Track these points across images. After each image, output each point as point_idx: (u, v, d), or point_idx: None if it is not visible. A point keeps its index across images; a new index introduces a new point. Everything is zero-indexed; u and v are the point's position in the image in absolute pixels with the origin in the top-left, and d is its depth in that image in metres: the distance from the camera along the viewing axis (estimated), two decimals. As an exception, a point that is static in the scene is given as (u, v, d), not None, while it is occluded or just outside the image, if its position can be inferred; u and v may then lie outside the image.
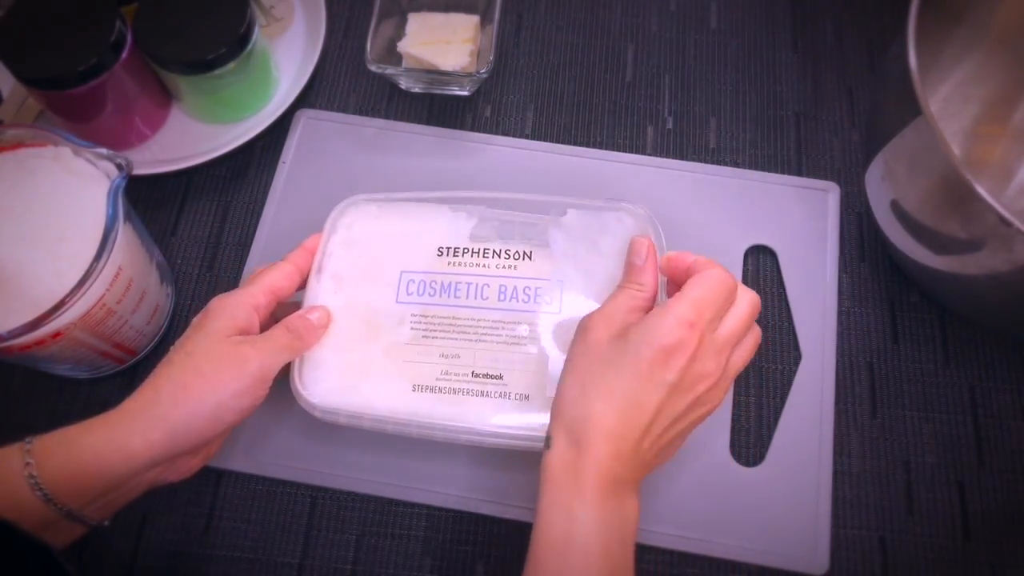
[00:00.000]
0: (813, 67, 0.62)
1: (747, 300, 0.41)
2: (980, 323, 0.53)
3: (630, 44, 0.63)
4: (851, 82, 0.61)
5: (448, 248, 0.48)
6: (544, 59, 0.63)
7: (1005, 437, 0.50)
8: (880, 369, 0.52)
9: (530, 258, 0.48)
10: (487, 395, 0.45)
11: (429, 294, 0.47)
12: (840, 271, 0.54)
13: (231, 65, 0.53)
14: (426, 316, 0.47)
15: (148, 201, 0.57)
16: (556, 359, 0.45)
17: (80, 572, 0.35)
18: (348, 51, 0.63)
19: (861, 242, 0.56)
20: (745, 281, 0.54)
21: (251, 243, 0.55)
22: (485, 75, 0.56)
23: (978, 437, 0.50)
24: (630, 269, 0.43)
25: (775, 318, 0.53)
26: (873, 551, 0.48)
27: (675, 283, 0.42)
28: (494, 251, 0.48)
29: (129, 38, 0.52)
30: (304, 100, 0.60)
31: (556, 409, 0.39)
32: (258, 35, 0.55)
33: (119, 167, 0.44)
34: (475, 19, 0.59)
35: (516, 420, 0.44)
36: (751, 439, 0.50)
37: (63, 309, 0.41)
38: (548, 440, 0.38)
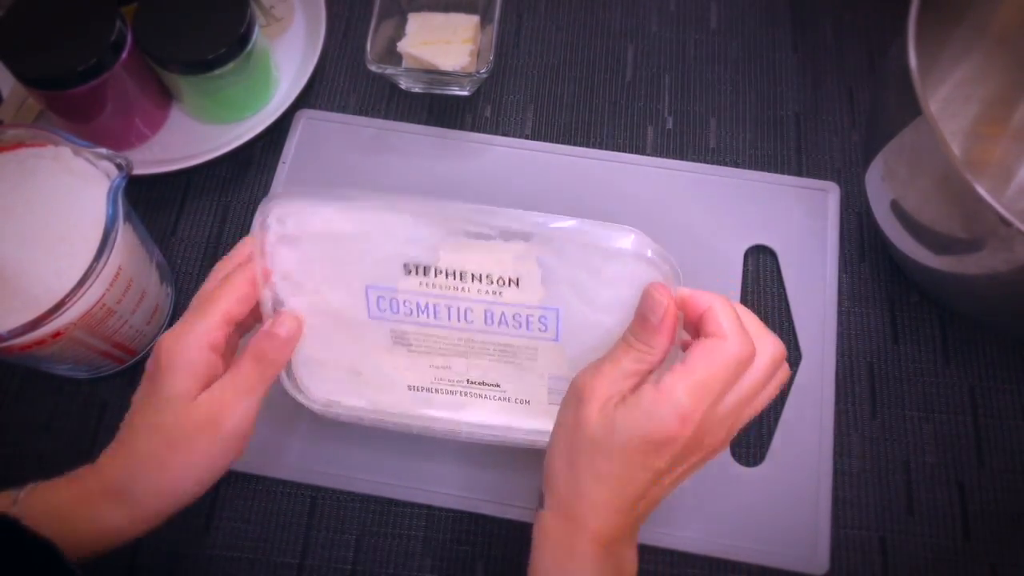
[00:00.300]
0: (813, 67, 0.62)
1: (768, 356, 0.37)
2: (980, 323, 0.53)
3: (630, 44, 0.63)
4: (851, 82, 0.61)
5: (417, 266, 0.40)
6: (544, 59, 0.63)
7: (1005, 437, 0.50)
8: (880, 369, 0.52)
9: (517, 284, 0.40)
10: (487, 398, 0.45)
11: (405, 313, 0.42)
12: (840, 271, 0.54)
13: (231, 65, 0.53)
14: (405, 332, 0.43)
15: (148, 201, 0.57)
16: (557, 377, 0.43)
17: (81, 571, 0.35)
18: (348, 51, 0.63)
19: (861, 242, 0.56)
20: (745, 281, 0.54)
21: (251, 243, 0.55)
22: (485, 75, 0.56)
23: (978, 437, 0.50)
24: (642, 326, 0.37)
25: (775, 318, 0.53)
26: (873, 551, 0.48)
27: (688, 320, 0.38)
28: (473, 275, 0.40)
29: (129, 38, 0.52)
30: (304, 100, 0.60)
31: (547, 476, 0.37)
32: (258, 35, 0.55)
33: (119, 167, 0.44)
34: (475, 19, 0.59)
35: (518, 421, 0.44)
36: (751, 439, 0.50)
37: (63, 309, 0.41)
38: (541, 499, 0.38)
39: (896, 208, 0.47)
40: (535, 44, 0.63)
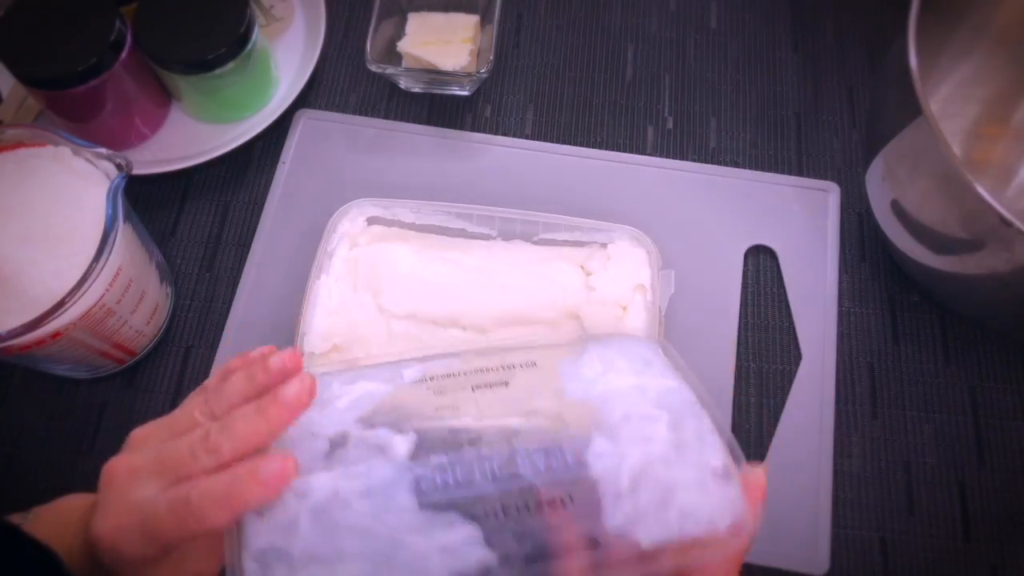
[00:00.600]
0: (813, 67, 0.62)
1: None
2: (980, 323, 0.53)
3: (630, 44, 0.63)
4: (851, 82, 0.61)
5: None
6: (544, 59, 0.63)
7: (1005, 437, 0.50)
8: (880, 369, 0.52)
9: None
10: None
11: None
12: (840, 271, 0.54)
13: (231, 65, 0.53)
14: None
15: (148, 201, 0.57)
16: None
17: None
18: (348, 51, 0.63)
19: (861, 242, 0.56)
20: (745, 281, 0.54)
21: (251, 243, 0.55)
22: (485, 75, 0.56)
23: (978, 437, 0.50)
24: None
25: (775, 318, 0.53)
26: (873, 551, 0.48)
27: None
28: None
29: (129, 38, 0.52)
30: (304, 100, 0.60)
31: None
32: (258, 35, 0.55)
33: (119, 167, 0.44)
34: (475, 19, 0.59)
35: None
36: (751, 439, 0.50)
37: (63, 309, 0.41)
38: None
39: (896, 208, 0.47)
40: (535, 44, 0.63)
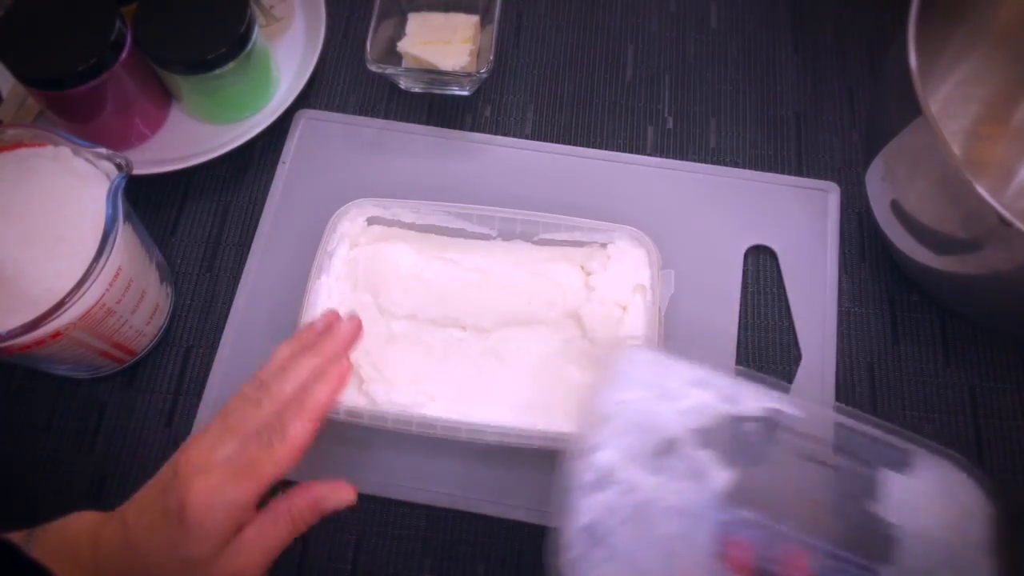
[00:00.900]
0: (813, 67, 0.62)
1: None
2: (980, 323, 0.53)
3: (630, 44, 0.63)
4: (851, 82, 0.61)
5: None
6: (544, 59, 0.63)
7: (1005, 437, 0.50)
8: (880, 369, 0.52)
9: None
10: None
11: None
12: (840, 271, 0.54)
13: (231, 65, 0.53)
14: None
15: (148, 201, 0.57)
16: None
17: None
18: (348, 51, 0.63)
19: (861, 242, 0.56)
20: (745, 281, 0.54)
21: (251, 243, 0.55)
22: (485, 75, 0.56)
23: (978, 437, 0.50)
24: None
25: (775, 318, 0.53)
26: (873, 551, 0.48)
27: None
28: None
29: (129, 38, 0.52)
30: (304, 100, 0.60)
31: None
32: (258, 35, 0.55)
33: (119, 167, 0.44)
34: (475, 19, 0.59)
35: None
36: (751, 439, 0.50)
37: (63, 309, 0.41)
38: None
39: (896, 208, 0.47)
40: (535, 44, 0.63)
